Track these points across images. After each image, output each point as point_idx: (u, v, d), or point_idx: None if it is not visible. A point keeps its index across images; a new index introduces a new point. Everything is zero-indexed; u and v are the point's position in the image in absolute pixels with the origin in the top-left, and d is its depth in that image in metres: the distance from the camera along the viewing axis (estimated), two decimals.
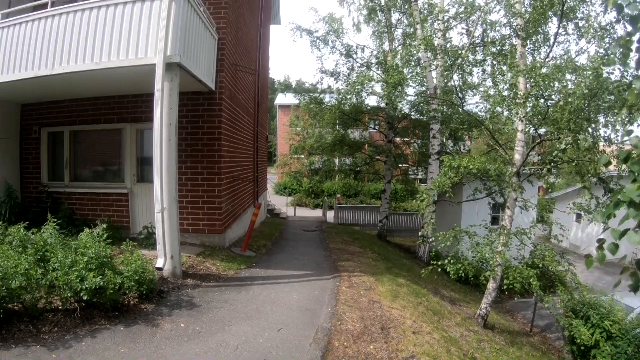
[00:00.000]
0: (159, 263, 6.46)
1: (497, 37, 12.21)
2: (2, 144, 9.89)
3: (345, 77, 19.09)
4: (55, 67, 7.44)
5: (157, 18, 6.83)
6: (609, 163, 4.30)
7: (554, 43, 9.92)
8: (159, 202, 6.45)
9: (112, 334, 4.70)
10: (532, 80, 8.44)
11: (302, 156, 27.57)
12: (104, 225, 6.44)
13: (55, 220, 6.63)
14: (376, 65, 18.88)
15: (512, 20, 10.22)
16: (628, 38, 2.48)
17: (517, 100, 8.74)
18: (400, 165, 20.19)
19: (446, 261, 8.96)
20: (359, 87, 15.96)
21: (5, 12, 8.34)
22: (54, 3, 7.91)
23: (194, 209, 8.89)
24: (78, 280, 4.87)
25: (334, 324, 5.23)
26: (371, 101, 19.68)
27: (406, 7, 17.78)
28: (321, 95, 20.19)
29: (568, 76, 8.41)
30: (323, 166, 23.35)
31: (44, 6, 8.01)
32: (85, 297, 4.83)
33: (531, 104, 8.78)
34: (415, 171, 21.30)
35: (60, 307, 5.08)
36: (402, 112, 18.27)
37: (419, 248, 14.89)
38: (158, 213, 6.40)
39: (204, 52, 8.24)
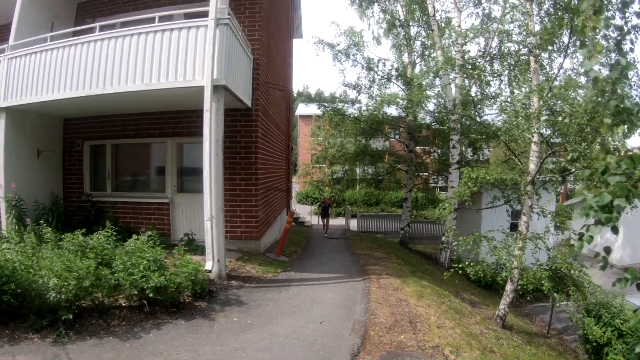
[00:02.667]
0: (208, 266, 7.14)
1: (512, 47, 12.76)
2: (47, 157, 10.59)
3: (367, 90, 19.73)
4: (106, 87, 8.12)
5: (203, 43, 7.49)
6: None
7: (564, 58, 10.51)
8: (208, 211, 7.14)
9: (174, 327, 5.36)
10: (542, 100, 9.06)
11: (324, 166, 28.11)
12: (149, 233, 7.07)
13: (99, 228, 7.27)
14: (396, 78, 19.47)
15: (526, 39, 10.83)
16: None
17: (530, 116, 9.37)
18: (420, 174, 20.65)
19: (466, 263, 9.57)
20: (385, 105, 16.57)
21: (49, 36, 9.04)
22: (102, 27, 8.63)
23: (232, 217, 9.50)
24: (143, 280, 5.53)
25: (369, 318, 5.90)
26: (391, 110, 20.03)
27: (424, 19, 18.38)
28: (344, 107, 20.71)
29: (573, 94, 9.01)
30: (345, 176, 23.93)
31: (91, 30, 8.80)
32: (150, 295, 5.47)
33: (543, 119, 9.38)
34: (436, 179, 21.79)
35: (124, 304, 5.70)
36: (423, 123, 18.83)
37: (440, 254, 15.50)
38: (208, 221, 7.11)
39: (242, 73, 8.90)
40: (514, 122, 10.05)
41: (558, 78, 10.45)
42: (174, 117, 10.23)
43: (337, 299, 6.88)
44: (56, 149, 11.15)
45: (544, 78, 10.91)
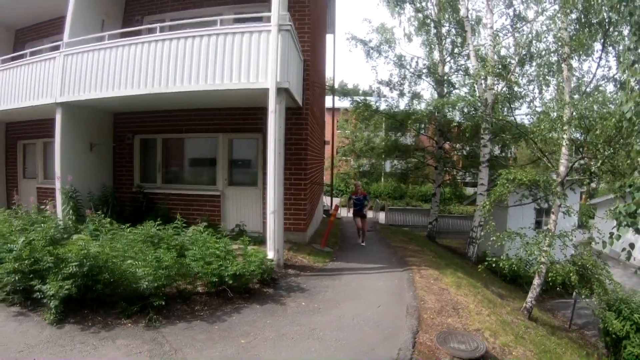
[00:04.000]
0: (270, 255, 7.70)
1: (541, 46, 13.20)
2: (98, 150, 11.23)
3: (398, 87, 20.30)
4: (169, 86, 8.71)
5: (266, 47, 8.05)
6: None
7: (597, 69, 11.10)
8: (271, 205, 7.86)
9: (252, 311, 6.06)
10: (575, 112, 9.65)
11: (350, 159, 28.64)
12: (204, 224, 7.81)
13: (151, 218, 7.89)
14: (427, 75, 20.00)
15: (559, 48, 11.37)
16: None
17: (563, 123, 9.99)
18: (449, 170, 21.10)
19: (502, 257, 10.28)
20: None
21: (107, 34, 9.67)
22: (162, 29, 9.25)
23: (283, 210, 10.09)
24: (222, 268, 6.26)
25: (419, 303, 6.61)
26: (421, 106, 20.62)
27: (455, 17, 18.83)
28: (376, 102, 21.24)
29: (604, 109, 9.57)
30: (372, 169, 24.52)
31: (152, 30, 9.46)
32: (230, 282, 6.20)
33: (573, 125, 9.97)
34: (464, 175, 22.29)
35: (201, 291, 6.41)
36: (453, 120, 19.33)
37: (467, 248, 16.17)
38: (271, 214, 7.83)
39: (295, 73, 9.40)
40: (547, 128, 10.61)
41: (590, 85, 11.08)
42: (226, 115, 10.84)
43: (387, 287, 7.59)
44: (107, 142, 11.80)
45: (576, 83, 11.48)
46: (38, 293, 5.36)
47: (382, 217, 24.84)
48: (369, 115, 21.65)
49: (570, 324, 11.66)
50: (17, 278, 5.53)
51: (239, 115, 10.70)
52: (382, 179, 30.03)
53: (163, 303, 5.59)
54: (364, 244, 12.36)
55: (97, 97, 9.55)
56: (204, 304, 6.14)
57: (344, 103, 24.45)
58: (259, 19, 10.03)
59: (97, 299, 5.57)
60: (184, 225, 7.56)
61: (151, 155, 12.00)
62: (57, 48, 10.10)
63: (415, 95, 20.60)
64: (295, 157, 10.30)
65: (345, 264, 9.28)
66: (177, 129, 11.49)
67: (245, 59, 8.25)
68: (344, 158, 30.02)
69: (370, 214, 26.42)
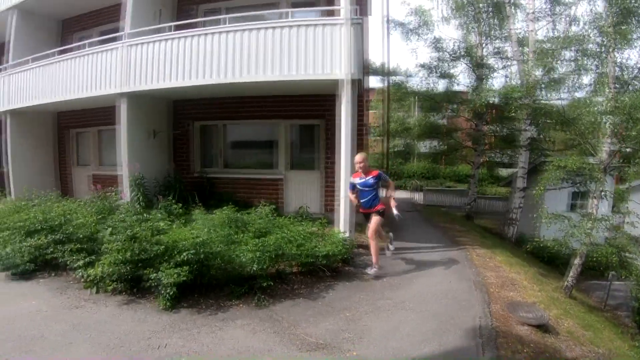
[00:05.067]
0: (343, 236, 8.25)
1: (584, 35, 13.39)
2: (159, 137, 11.84)
3: (436, 69, 20.58)
4: (243, 75, 9.31)
5: (339, 40, 8.56)
6: None
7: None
8: (342, 189, 8.55)
9: (343, 287, 6.74)
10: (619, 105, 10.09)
11: (380, 138, 28.80)
12: (270, 207, 8.45)
13: (216, 203, 8.56)
14: (464, 57, 20.25)
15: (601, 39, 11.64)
16: None
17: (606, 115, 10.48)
18: (487, 151, 21.42)
19: (537, 239, 10.94)
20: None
21: (173, 25, 10.33)
22: (226, 20, 9.78)
23: None
24: (316, 249, 6.95)
25: (482, 279, 7.34)
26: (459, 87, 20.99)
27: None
28: (413, 83, 21.41)
29: None
30: (406, 149, 24.90)
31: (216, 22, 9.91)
32: (323, 262, 6.89)
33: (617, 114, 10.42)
34: (501, 157, 22.54)
35: (295, 271, 7.08)
36: (492, 103, 19.55)
37: (507, 229, 16.70)
38: (343, 198, 8.53)
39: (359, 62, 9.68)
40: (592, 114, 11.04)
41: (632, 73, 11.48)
42: (288, 102, 11.30)
43: (449, 264, 8.21)
44: (166, 129, 12.39)
45: (618, 73, 11.84)
46: (149, 281, 5.84)
47: (417, 197, 25.43)
48: (403, 95, 22.09)
49: (605, 303, 12.09)
50: (128, 268, 6.06)
51: (299, 102, 11.20)
52: (414, 159, 30.36)
53: (271, 284, 6.25)
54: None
55: (163, 87, 10.14)
56: (300, 282, 6.81)
57: (377, 84, 24.69)
58: (312, 3, 10.67)
59: (207, 284, 6.17)
60: (249, 208, 8.21)
61: (210, 141, 12.62)
62: (119, 39, 10.69)
63: (449, 77, 20.79)
64: (357, 143, 10.66)
65: (404, 244, 9.80)
66: (238, 116, 12.05)
67: (319, 51, 8.78)
68: (378, 138, 30.33)
69: (404, 194, 26.72)
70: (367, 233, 7.58)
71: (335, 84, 8.89)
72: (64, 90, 11.79)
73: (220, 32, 9.50)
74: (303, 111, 11.36)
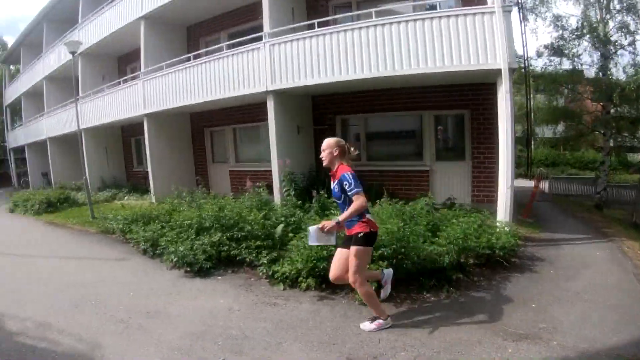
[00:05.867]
0: (507, 228, 7.93)
1: None
2: (304, 132, 12.06)
3: (558, 49, 19.41)
4: (396, 69, 9.24)
5: (492, 27, 8.30)
6: None
7: None
8: (507, 180, 8.33)
9: (517, 279, 6.50)
10: None
11: None
12: (427, 199, 8.16)
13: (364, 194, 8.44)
14: (586, 35, 18.97)
15: None
16: None
17: None
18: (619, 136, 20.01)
19: None
20: None
21: (316, 22, 10.28)
22: (378, 14, 9.67)
23: (490, 182, 10.38)
24: (494, 241, 6.81)
25: None
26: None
27: None
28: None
29: None
30: (525, 135, 23.69)
31: (362, 16, 9.93)
32: (501, 254, 6.73)
33: None
34: (631, 141, 20.90)
35: (471, 262, 6.83)
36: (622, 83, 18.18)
37: None
38: (508, 189, 8.30)
39: None
40: None
41: None
42: (432, 92, 11.04)
43: (604, 256, 7.77)
44: (308, 124, 12.58)
45: None
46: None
47: (542, 185, 24.04)
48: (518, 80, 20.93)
49: None
50: (322, 266, 6.01)
51: (442, 92, 10.92)
52: (532, 145, 28.98)
53: (460, 276, 6.16)
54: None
55: (310, 84, 10.28)
56: (477, 275, 6.64)
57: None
58: None
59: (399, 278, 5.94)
60: (397, 200, 7.93)
61: (352, 135, 12.66)
62: (259, 39, 11.01)
63: (573, 57, 19.49)
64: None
65: (553, 234, 9.42)
66: (378, 108, 11.98)
67: (473, 41, 8.55)
68: None
69: (522, 183, 25.57)
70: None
71: (485, 74, 8.74)
72: (206, 91, 12.42)
73: (367, 27, 9.50)
74: (447, 101, 11.01)
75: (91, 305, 6.23)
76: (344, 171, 4.64)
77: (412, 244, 6.10)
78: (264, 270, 6.75)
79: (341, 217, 4.60)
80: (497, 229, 7.61)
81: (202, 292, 6.55)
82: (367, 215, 4.76)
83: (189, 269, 7.31)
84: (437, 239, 6.62)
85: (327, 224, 4.68)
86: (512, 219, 8.46)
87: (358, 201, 4.50)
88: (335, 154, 4.86)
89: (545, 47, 19.47)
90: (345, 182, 4.57)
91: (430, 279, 6.08)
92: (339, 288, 6.05)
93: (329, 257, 5.69)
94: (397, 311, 5.50)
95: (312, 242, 4.90)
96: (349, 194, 4.56)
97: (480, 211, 8.31)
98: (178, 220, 8.73)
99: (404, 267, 5.90)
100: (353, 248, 4.66)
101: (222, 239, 7.54)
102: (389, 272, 5.49)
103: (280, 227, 7.27)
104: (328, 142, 4.95)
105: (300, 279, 6.25)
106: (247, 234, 7.47)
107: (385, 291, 5.50)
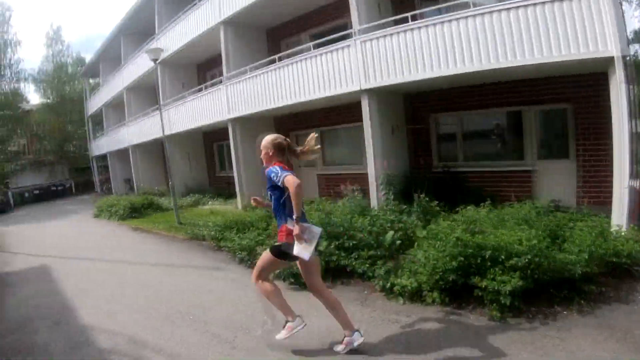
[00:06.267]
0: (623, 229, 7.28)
1: None
2: (399, 133, 11.74)
3: None
4: (500, 60, 8.55)
5: (601, 10, 7.52)
6: None
7: None
8: (625, 179, 7.64)
9: None
10: None
11: None
12: (528, 202, 7.64)
13: (464, 198, 7.96)
14: None
15: None
16: None
17: None
18: None
19: None
20: None
21: (409, 15, 9.83)
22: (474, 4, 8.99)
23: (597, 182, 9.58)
24: (620, 247, 6.16)
25: None
26: None
27: None
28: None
29: None
30: None
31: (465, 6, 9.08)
32: (628, 262, 6.06)
33: None
34: None
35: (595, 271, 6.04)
36: None
37: None
38: (625, 189, 7.64)
39: None
40: None
41: None
42: (530, 85, 10.30)
43: None
44: (401, 123, 12.16)
45: None
46: (476, 290, 5.35)
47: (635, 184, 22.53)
48: None
49: None
50: (451, 278, 5.55)
51: (540, 85, 10.17)
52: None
53: (594, 288, 5.60)
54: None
55: (406, 81, 9.88)
56: (603, 284, 5.96)
57: None
58: None
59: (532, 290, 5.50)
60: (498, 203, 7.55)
61: (447, 133, 12.22)
62: (349, 37, 10.81)
63: None
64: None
65: None
66: (473, 105, 11.40)
67: (581, 27, 7.80)
68: None
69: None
70: None
71: (591, 63, 8.07)
72: (294, 93, 12.34)
73: (466, 17, 8.86)
74: (546, 95, 10.16)
75: (189, 319, 5.99)
76: (272, 166, 4.35)
77: (546, 252, 5.61)
78: (380, 283, 6.27)
79: (295, 215, 4.17)
80: (621, 235, 6.87)
81: (314, 307, 5.36)
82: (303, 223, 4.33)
83: (293, 280, 6.82)
84: (565, 246, 6.11)
85: (296, 233, 4.20)
86: (631, 223, 7.66)
87: (292, 184, 4.11)
88: (270, 154, 4.53)
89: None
90: (272, 174, 4.25)
91: (559, 291, 5.59)
92: (464, 302, 5.66)
93: (458, 269, 5.48)
94: (529, 326, 5.06)
95: (306, 256, 4.28)
96: (279, 181, 4.19)
97: (592, 215, 7.72)
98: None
99: (534, 278, 5.44)
100: (267, 252, 4.61)
101: (331, 248, 6.96)
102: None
103: (390, 234, 6.81)
104: (265, 141, 4.58)
105: (425, 292, 5.80)
106: (358, 243, 7.00)
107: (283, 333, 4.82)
